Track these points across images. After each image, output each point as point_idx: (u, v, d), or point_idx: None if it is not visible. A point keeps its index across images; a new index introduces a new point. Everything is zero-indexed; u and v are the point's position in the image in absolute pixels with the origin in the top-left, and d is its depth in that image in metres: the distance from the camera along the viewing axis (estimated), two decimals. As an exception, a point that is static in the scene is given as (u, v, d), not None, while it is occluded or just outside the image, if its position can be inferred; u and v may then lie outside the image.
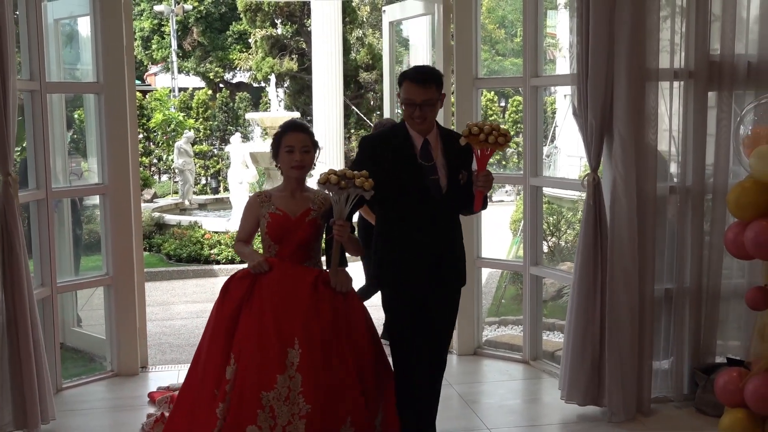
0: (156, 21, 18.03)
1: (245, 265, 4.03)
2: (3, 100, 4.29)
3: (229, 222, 11.84)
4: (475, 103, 5.89)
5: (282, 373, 3.70)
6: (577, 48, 4.74)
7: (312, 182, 4.43)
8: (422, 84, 3.77)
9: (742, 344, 4.98)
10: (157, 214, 12.60)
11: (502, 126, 3.69)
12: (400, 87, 3.87)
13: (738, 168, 4.67)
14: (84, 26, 5.65)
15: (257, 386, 3.69)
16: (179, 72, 18.80)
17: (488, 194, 4.00)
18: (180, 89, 18.09)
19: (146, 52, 21.89)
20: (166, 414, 4.46)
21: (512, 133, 4.47)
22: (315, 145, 4.04)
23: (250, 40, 17.03)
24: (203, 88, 18.07)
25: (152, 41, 18.14)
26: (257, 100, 17.41)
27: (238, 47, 17.81)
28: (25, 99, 5.13)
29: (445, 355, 4.23)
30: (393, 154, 3.87)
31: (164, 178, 17.65)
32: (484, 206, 3.95)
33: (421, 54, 7.87)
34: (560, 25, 8.94)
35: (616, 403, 4.78)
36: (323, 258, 4.12)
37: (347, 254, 4.05)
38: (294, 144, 3.92)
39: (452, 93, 5.93)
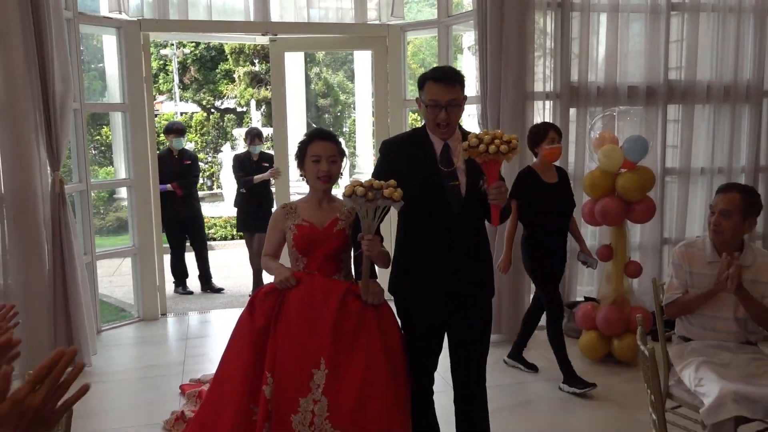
0: (162, 61, 17.70)
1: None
2: (62, 120, 4.29)
3: (219, 209, 11.84)
4: (404, 119, 5.87)
5: (304, 396, 2.66)
6: (479, 77, 4.82)
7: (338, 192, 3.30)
8: (448, 83, 2.66)
9: (594, 287, 5.10)
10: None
11: (505, 135, 2.57)
12: (421, 90, 2.74)
13: (591, 163, 4.77)
14: (111, 61, 5.59)
15: (287, 410, 2.68)
16: (180, 100, 18.47)
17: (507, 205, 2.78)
18: (182, 113, 17.83)
19: (154, 86, 21.74)
20: (187, 413, 3.63)
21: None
22: (342, 154, 2.95)
23: (234, 75, 16.83)
24: (199, 111, 17.83)
25: (159, 77, 17.78)
26: (241, 119, 17.35)
27: (225, 81, 17.59)
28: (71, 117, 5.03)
29: (481, 370, 2.94)
30: (411, 158, 2.76)
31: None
32: (503, 219, 2.74)
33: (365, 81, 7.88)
34: (466, 63, 9.17)
35: (506, 331, 4.94)
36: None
37: (377, 267, 2.91)
38: (321, 153, 2.85)
39: (388, 112, 5.89)
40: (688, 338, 3.07)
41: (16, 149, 4.13)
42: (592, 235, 5.03)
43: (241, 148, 6.91)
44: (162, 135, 7.45)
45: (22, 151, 4.15)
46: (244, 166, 6.42)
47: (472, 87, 4.80)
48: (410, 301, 2.85)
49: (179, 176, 6.40)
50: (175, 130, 6.53)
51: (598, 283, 4.95)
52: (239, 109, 17.51)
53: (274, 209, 5.78)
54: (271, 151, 6.65)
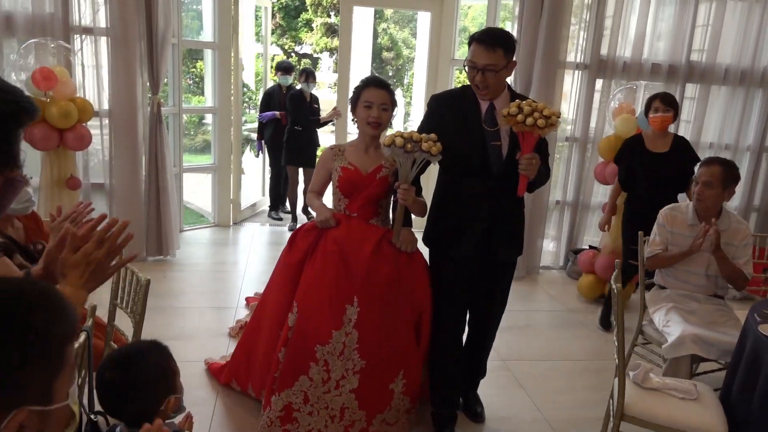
0: (256, 7, 17.80)
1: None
2: (162, 52, 4.41)
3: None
4: (451, 76, 5.80)
5: (338, 329, 2.55)
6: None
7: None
8: (488, 46, 2.36)
9: (599, 238, 5.10)
10: (245, 133, 12.51)
11: (547, 108, 2.30)
12: (469, 48, 2.45)
13: (609, 129, 4.69)
14: (207, 4, 5.71)
15: (313, 339, 2.56)
16: (265, 43, 18.60)
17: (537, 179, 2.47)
18: (260, 54, 18.01)
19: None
20: None
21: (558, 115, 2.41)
22: (394, 104, 2.68)
23: (313, 25, 16.77)
24: (280, 54, 17.93)
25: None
26: (315, 64, 17.36)
27: (305, 29, 17.54)
28: (169, 50, 5.20)
29: (493, 327, 2.86)
30: (457, 114, 2.51)
31: (251, 110, 17.89)
32: (531, 190, 2.50)
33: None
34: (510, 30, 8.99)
35: (518, 266, 5.03)
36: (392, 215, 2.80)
37: (413, 215, 2.70)
38: (373, 100, 2.61)
39: (438, 69, 5.82)
40: (663, 287, 3.14)
41: (123, 74, 4.34)
42: (603, 194, 5.03)
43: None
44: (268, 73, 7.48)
45: (129, 76, 4.35)
46: (301, 103, 5.86)
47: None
48: (442, 253, 2.67)
49: (284, 108, 6.07)
50: (283, 68, 6.25)
51: (600, 233, 4.95)
52: (315, 55, 17.50)
53: (319, 148, 5.92)
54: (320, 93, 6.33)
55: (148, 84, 4.48)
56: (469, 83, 2.52)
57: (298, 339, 2.58)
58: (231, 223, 5.94)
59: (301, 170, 6.07)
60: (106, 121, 4.45)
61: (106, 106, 4.43)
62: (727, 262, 2.88)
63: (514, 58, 2.43)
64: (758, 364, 2.23)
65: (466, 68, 2.45)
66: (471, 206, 2.53)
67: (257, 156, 6.40)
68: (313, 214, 2.80)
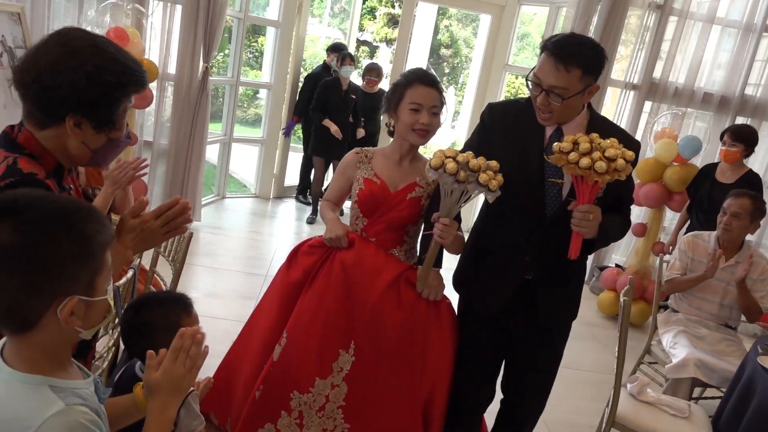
0: (319, -11, 18.03)
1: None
2: (218, 23, 4.59)
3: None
4: (503, 82, 5.84)
5: (324, 378, 2.05)
6: None
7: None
8: (560, 61, 1.72)
9: (625, 258, 5.14)
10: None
11: (616, 147, 1.71)
12: (538, 58, 1.83)
13: (650, 152, 4.69)
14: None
15: (292, 383, 2.07)
16: (328, 26, 18.83)
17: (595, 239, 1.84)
18: (326, 37, 18.21)
19: (310, 8, 21.95)
20: None
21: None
22: (443, 105, 2.09)
23: (376, 13, 16.99)
24: (341, 39, 18.20)
25: (313, 3, 18.15)
26: (373, 53, 17.57)
27: (368, 16, 17.77)
28: (234, 24, 5.43)
29: (530, 403, 2.20)
30: (514, 135, 1.91)
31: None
32: (586, 252, 1.88)
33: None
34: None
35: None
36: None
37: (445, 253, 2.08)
38: (422, 102, 2.02)
39: (490, 72, 5.93)
40: (676, 310, 3.22)
41: (190, 42, 4.60)
42: (636, 214, 5.06)
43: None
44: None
45: (187, 44, 4.57)
46: (329, 94, 5.19)
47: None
48: (467, 304, 2.14)
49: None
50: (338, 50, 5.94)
51: (627, 253, 5.00)
52: (374, 44, 17.69)
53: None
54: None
55: (201, 51, 4.65)
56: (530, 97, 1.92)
57: (277, 378, 2.09)
58: (271, 197, 6.17)
59: (331, 165, 5.69)
60: (165, 84, 4.72)
61: (170, 70, 4.70)
62: (748, 293, 2.96)
63: (597, 81, 1.80)
64: (751, 392, 2.32)
65: (529, 82, 1.83)
66: (511, 253, 1.96)
67: (286, 136, 6.05)
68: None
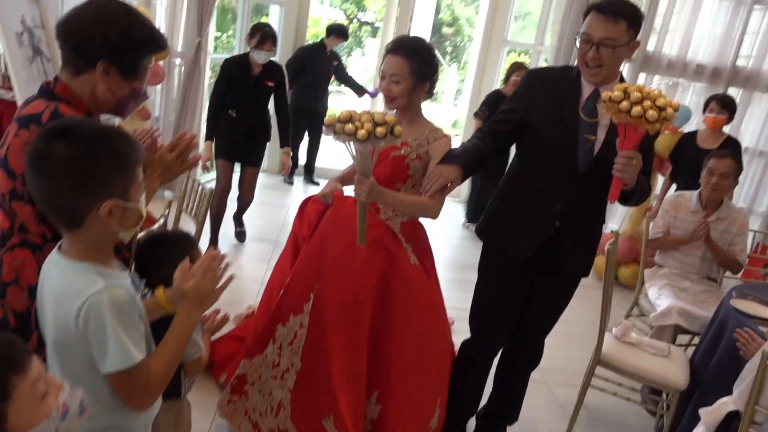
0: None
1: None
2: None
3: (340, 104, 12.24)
4: (501, 58, 6.04)
5: (296, 315, 2.26)
6: (559, 30, 5.02)
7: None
8: (609, 16, 1.94)
9: (621, 226, 5.35)
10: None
11: (664, 97, 1.81)
12: (584, 21, 2.03)
13: None
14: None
15: (278, 316, 2.31)
16: (330, 6, 18.93)
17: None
18: (328, 18, 18.34)
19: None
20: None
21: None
22: (416, 75, 2.16)
23: (378, -7, 17.09)
24: (343, 20, 18.32)
25: (316, -18, 18.22)
26: (375, 32, 17.73)
27: (370, -4, 17.87)
28: (240, 3, 5.62)
29: (540, 350, 2.53)
30: (552, 95, 2.10)
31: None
32: (625, 200, 2.06)
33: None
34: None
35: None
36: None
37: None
38: (386, 69, 2.19)
39: (489, 48, 6.16)
40: (661, 266, 3.47)
41: (194, 20, 4.82)
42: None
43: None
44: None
45: (190, 22, 4.79)
46: (233, 76, 3.91)
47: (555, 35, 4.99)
48: (497, 250, 2.29)
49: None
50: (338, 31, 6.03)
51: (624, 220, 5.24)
52: (376, 24, 17.82)
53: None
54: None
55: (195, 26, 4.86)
56: (568, 64, 2.23)
57: (275, 311, 2.35)
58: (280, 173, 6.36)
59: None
60: (174, 61, 4.94)
61: (178, 48, 4.92)
62: (719, 249, 3.20)
63: (638, 38, 2.02)
64: (722, 331, 2.57)
65: (578, 42, 2.03)
66: (543, 201, 2.14)
67: None
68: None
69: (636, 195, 2.06)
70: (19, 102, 3.26)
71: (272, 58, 3.97)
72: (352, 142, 1.82)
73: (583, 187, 2.10)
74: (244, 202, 4.35)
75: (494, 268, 2.31)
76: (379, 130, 1.79)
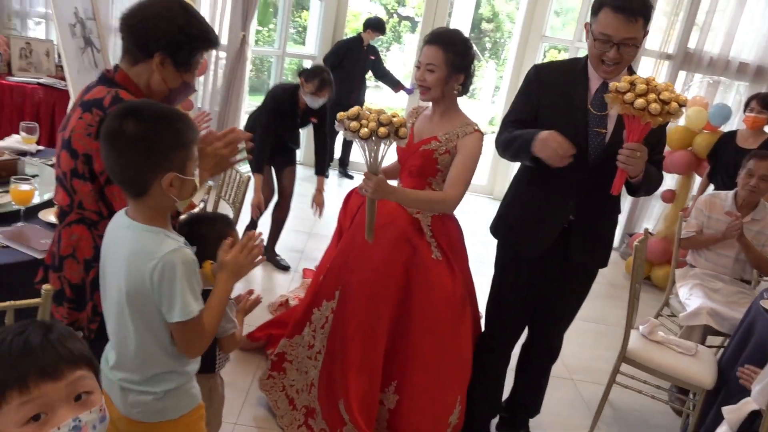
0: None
1: None
2: None
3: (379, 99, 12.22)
4: (539, 52, 6.03)
5: (329, 300, 2.38)
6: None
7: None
8: (628, 15, 1.88)
9: (656, 226, 5.36)
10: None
11: (670, 90, 1.80)
12: (594, 17, 1.97)
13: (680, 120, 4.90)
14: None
15: (314, 301, 2.43)
16: (370, 1, 18.98)
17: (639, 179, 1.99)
18: (369, 12, 18.40)
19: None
20: (291, 303, 3.29)
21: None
22: (452, 66, 2.18)
23: (418, -12, 17.08)
24: (383, 15, 18.37)
25: (357, -23, 18.28)
26: (415, 27, 17.71)
27: (410, -9, 17.85)
28: (281, -4, 5.81)
29: (558, 341, 2.50)
30: (560, 90, 2.09)
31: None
32: (631, 192, 2.10)
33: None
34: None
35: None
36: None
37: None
38: (422, 60, 2.22)
39: (527, 43, 6.16)
40: (693, 266, 3.44)
41: (239, 14, 4.95)
42: (665, 183, 5.22)
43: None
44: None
45: (234, 16, 4.92)
46: (283, 110, 3.69)
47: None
48: (508, 248, 2.33)
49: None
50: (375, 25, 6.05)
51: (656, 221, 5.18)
52: (416, 19, 17.82)
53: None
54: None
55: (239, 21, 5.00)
56: (578, 57, 2.17)
57: (312, 296, 2.46)
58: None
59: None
60: (219, 54, 5.09)
61: (223, 41, 5.07)
62: (752, 249, 3.16)
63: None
64: (751, 332, 2.56)
65: (594, 41, 1.97)
66: (555, 198, 2.14)
67: None
68: None
69: (644, 186, 2.06)
70: (71, 91, 3.42)
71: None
72: (357, 140, 1.88)
73: (596, 181, 2.07)
74: (282, 212, 4.05)
75: (508, 264, 2.34)
76: (382, 130, 1.83)
